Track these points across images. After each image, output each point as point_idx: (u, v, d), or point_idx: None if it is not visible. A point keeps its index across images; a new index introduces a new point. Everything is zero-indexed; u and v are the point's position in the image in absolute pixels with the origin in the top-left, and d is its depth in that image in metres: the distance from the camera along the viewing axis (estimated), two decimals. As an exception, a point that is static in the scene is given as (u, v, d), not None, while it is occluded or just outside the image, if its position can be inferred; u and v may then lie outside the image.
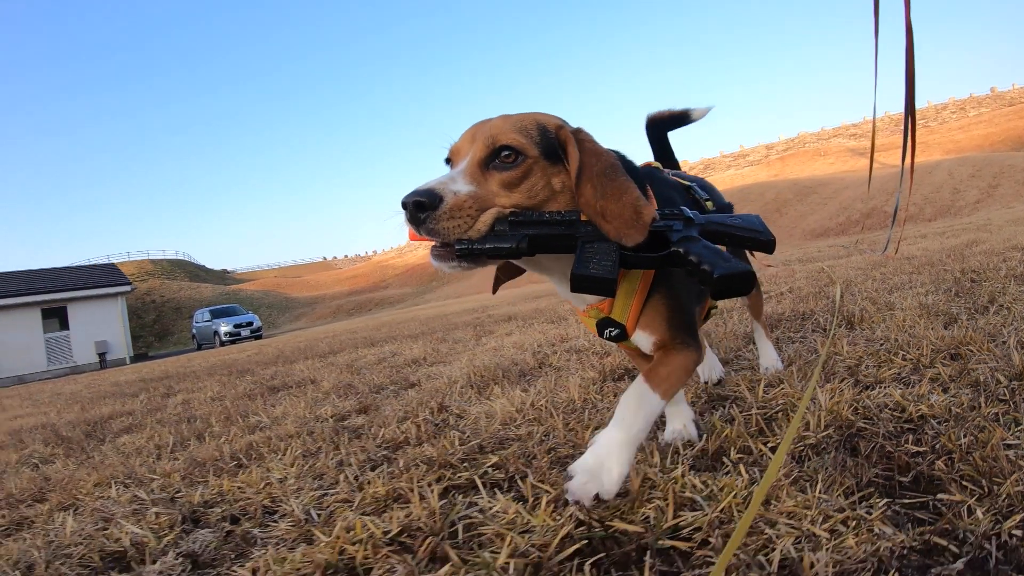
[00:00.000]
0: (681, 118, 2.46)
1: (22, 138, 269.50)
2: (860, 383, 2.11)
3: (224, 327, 31.95)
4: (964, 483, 1.29)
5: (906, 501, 1.28)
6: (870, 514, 1.22)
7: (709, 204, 1.90)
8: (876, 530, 1.16)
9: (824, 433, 1.67)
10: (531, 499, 1.57)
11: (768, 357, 2.60)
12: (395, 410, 3.19)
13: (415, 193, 1.34)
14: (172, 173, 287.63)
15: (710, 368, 2.60)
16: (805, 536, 1.17)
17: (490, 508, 1.57)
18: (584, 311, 1.70)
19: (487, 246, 1.38)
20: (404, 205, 1.37)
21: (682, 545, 1.23)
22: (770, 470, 1.14)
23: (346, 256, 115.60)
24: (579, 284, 1.36)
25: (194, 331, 36.34)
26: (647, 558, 1.20)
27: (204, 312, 36.08)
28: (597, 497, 1.37)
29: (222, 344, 30.42)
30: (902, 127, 5.60)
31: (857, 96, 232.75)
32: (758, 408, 1.98)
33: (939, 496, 1.26)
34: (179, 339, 55.75)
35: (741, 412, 1.96)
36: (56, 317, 32.05)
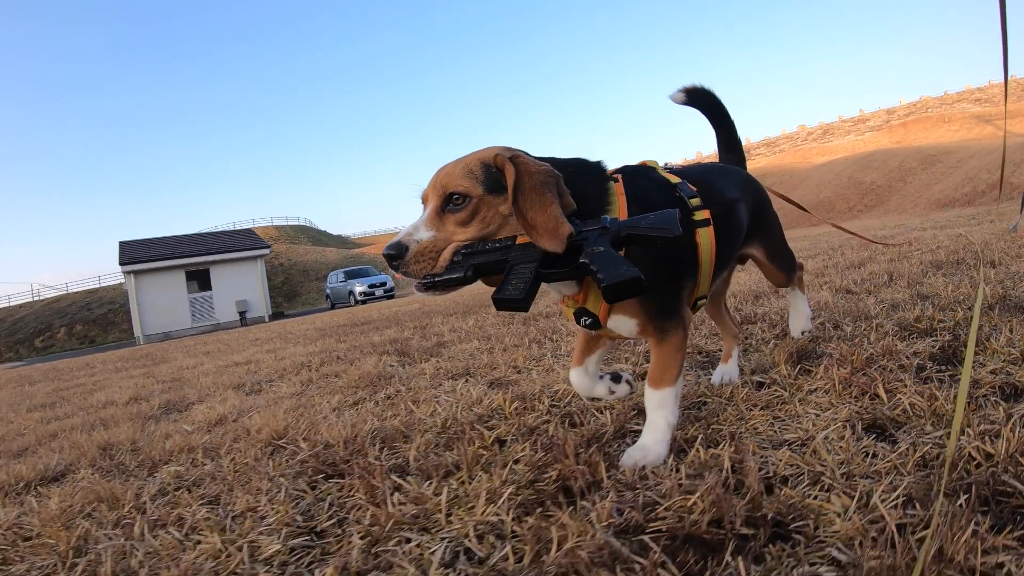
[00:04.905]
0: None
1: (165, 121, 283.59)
2: (1006, 287, 3.49)
3: (359, 287, 33.80)
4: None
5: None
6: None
7: (695, 201, 2.01)
8: (1028, 327, 2.62)
9: (994, 301, 3.13)
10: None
11: (801, 316, 2.76)
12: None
13: (388, 247, 1.70)
14: (290, 141, 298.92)
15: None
16: (996, 326, 2.65)
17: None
18: (563, 301, 1.95)
19: (444, 278, 1.68)
20: (384, 256, 1.74)
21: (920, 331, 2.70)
22: (976, 310, 2.50)
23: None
24: (498, 305, 1.58)
25: (328, 291, 38.80)
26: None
27: (339, 273, 38.34)
28: (644, 467, 1.77)
29: (357, 303, 32.28)
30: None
31: (982, 56, 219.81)
32: (951, 298, 3.41)
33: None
34: (306, 300, 58.70)
35: (939, 302, 3.37)
36: (200, 279, 34.76)
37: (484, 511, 1.62)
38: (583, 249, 1.59)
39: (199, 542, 1.79)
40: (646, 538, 1.32)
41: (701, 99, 2.65)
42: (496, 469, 1.89)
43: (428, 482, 1.92)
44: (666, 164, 2.29)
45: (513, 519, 1.53)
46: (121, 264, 33.52)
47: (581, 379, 2.18)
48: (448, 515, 1.65)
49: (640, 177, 2.01)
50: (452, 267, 1.68)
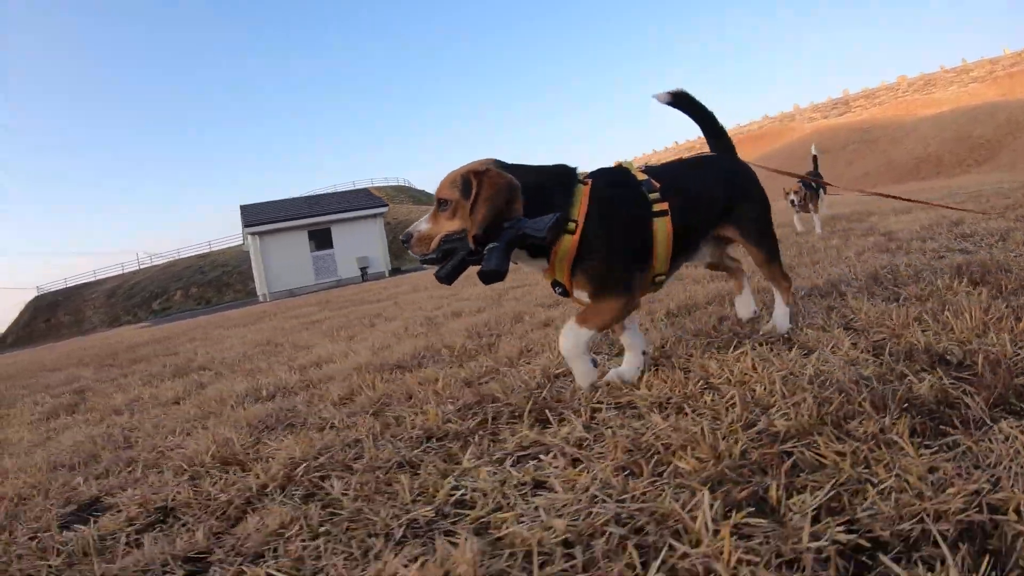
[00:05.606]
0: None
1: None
2: None
3: (475, 244, 34.00)
4: None
5: None
6: None
7: (653, 195, 2.41)
8: None
9: None
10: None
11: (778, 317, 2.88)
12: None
13: (402, 234, 2.29)
14: (383, 104, 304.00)
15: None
16: None
17: None
18: (542, 274, 2.42)
19: (429, 257, 2.22)
20: (401, 240, 2.33)
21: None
22: None
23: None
24: (439, 280, 2.17)
25: (444, 248, 39.08)
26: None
27: (460, 231, 38.32)
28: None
29: (475, 260, 32.79)
30: None
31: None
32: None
33: None
34: (413, 257, 58.59)
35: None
36: (321, 237, 35.62)
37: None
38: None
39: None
40: None
41: (681, 101, 2.90)
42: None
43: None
44: (646, 164, 2.69)
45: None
46: (245, 226, 34.86)
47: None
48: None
49: (607, 179, 2.43)
50: (435, 250, 2.22)
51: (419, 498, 1.79)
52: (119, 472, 2.66)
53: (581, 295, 2.35)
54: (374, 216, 37.38)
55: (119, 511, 2.15)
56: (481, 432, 2.26)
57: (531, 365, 3.05)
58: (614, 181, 2.44)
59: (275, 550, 1.64)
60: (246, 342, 7.77)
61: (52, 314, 69.05)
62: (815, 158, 10.54)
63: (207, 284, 62.78)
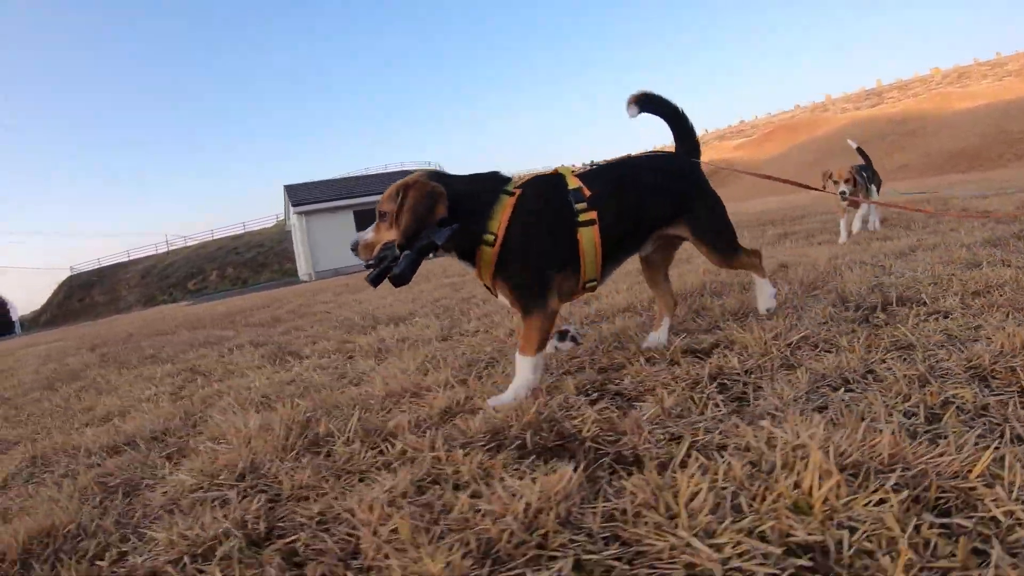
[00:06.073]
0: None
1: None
2: None
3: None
4: None
5: None
6: None
7: (580, 205, 2.46)
8: None
9: None
10: None
11: (764, 295, 3.04)
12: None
13: (351, 242, 2.47)
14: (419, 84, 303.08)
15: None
16: None
17: None
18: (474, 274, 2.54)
19: (369, 262, 2.40)
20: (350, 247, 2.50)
21: None
22: None
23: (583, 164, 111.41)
24: (368, 283, 2.33)
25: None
26: None
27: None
28: (495, 407, 2.31)
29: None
30: None
31: None
32: None
33: None
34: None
35: None
36: (366, 217, 34.14)
37: None
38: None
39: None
40: None
41: (652, 103, 2.91)
42: None
43: None
44: (591, 163, 2.79)
45: None
46: (293, 205, 35.49)
47: None
48: None
49: (535, 190, 2.50)
50: (374, 257, 2.40)
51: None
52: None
53: (503, 299, 2.49)
54: (418, 197, 36.64)
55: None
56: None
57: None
58: (541, 191, 2.51)
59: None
60: (396, 302, 7.40)
61: (87, 294, 69.64)
62: (861, 151, 7.56)
63: (243, 264, 62.72)
